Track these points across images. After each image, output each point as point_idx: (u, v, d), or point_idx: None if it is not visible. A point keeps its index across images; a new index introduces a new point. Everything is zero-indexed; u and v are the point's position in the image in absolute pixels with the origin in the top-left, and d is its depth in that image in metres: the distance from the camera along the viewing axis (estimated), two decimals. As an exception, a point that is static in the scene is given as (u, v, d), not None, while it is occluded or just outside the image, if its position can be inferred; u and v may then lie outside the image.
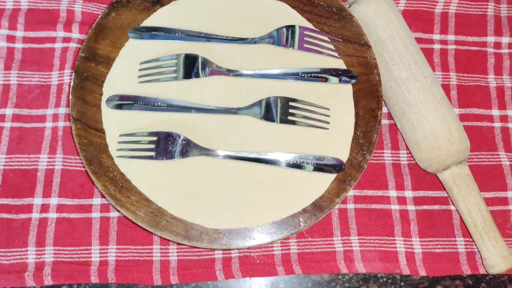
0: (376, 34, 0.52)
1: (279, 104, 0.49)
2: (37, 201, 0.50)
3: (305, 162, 0.47)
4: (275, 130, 0.49)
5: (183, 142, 0.47)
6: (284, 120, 0.48)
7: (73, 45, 0.55)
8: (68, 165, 0.51)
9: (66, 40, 0.55)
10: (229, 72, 0.50)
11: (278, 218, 0.46)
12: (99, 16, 0.51)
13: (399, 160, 0.53)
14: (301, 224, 0.46)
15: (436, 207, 0.52)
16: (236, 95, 0.50)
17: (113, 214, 0.50)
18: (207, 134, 0.48)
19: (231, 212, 0.46)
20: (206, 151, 0.47)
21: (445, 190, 0.52)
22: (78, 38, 0.56)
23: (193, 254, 0.49)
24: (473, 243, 0.50)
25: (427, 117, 0.49)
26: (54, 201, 0.50)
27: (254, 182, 0.47)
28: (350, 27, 0.52)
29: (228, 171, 0.47)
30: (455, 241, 0.51)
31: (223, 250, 0.49)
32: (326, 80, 0.50)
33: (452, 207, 0.52)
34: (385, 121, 0.54)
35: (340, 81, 0.50)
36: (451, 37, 0.57)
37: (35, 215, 0.50)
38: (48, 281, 0.48)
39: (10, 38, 0.55)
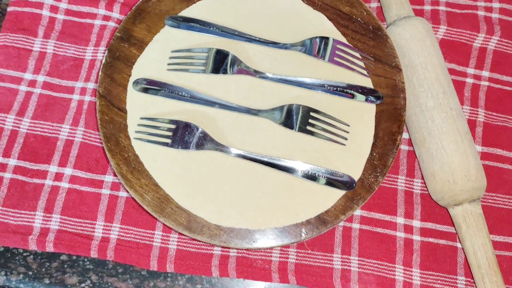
0: (409, 58, 0.51)
1: (300, 113, 0.49)
2: (52, 168, 0.52)
3: (316, 174, 0.47)
4: (292, 137, 0.49)
5: (200, 134, 0.48)
6: (302, 129, 0.48)
7: (111, 24, 0.57)
8: (87, 139, 0.53)
9: (106, 18, 0.57)
10: (256, 73, 0.50)
11: (280, 225, 0.46)
12: (140, 0, 0.52)
13: (412, 188, 0.52)
14: (303, 235, 0.46)
15: (442, 241, 0.51)
16: (260, 96, 0.50)
17: (122, 194, 0.51)
18: (225, 130, 0.49)
19: (236, 211, 0.46)
20: (220, 147, 0.48)
21: (454, 226, 0.51)
22: (117, 18, 0.57)
23: (192, 246, 0.50)
24: (474, 285, 0.49)
25: (447, 149, 0.48)
26: (68, 171, 0.52)
27: (263, 185, 0.47)
28: (384, 47, 0.51)
29: (239, 170, 0.48)
30: (456, 279, 0.50)
31: (222, 247, 0.49)
32: (352, 96, 0.50)
33: (458, 245, 0.51)
34: (404, 147, 0.53)
35: (366, 99, 0.50)
36: (485, 73, 0.56)
37: (48, 182, 0.51)
38: (49, 247, 0.49)
39: (54, 8, 0.57)
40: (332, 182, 0.47)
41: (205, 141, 0.48)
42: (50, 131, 0.53)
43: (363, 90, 0.50)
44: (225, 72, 0.50)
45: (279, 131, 0.49)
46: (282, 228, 0.46)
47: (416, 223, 0.51)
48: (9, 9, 0.57)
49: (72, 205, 0.51)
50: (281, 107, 0.49)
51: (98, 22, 0.57)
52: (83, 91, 0.54)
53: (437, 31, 0.57)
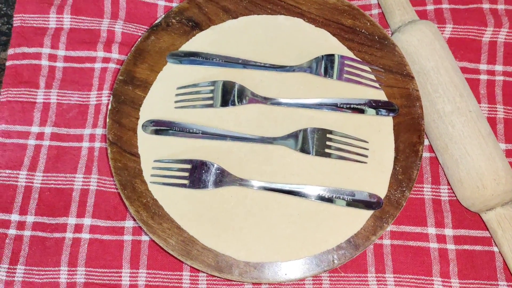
0: (419, 65, 0.50)
1: (316, 136, 0.47)
2: (71, 220, 0.51)
3: (341, 197, 0.46)
4: (311, 162, 0.47)
5: (217, 171, 0.47)
6: (320, 153, 0.47)
7: (112, 66, 0.56)
8: (102, 186, 0.52)
9: (106, 60, 0.56)
10: (266, 100, 0.49)
11: (311, 254, 0.45)
12: (139, 39, 0.51)
13: (440, 196, 0.51)
14: (335, 261, 0.44)
15: (478, 247, 0.49)
16: (272, 124, 0.49)
17: (145, 237, 0.50)
18: (241, 163, 0.48)
19: (263, 245, 0.45)
20: (239, 181, 0.46)
21: (488, 230, 0.49)
22: (117, 59, 0.56)
23: (222, 284, 0.48)
24: (517, 289, 0.48)
25: (472, 154, 0.46)
26: (87, 221, 0.51)
27: (288, 215, 0.46)
28: (392, 56, 0.50)
29: (261, 203, 0.46)
30: (497, 285, 0.48)
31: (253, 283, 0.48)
32: (365, 112, 0.48)
33: (495, 249, 0.49)
34: (426, 154, 0.52)
35: (379, 113, 0.48)
36: (499, 67, 0.54)
37: (69, 235, 0.50)
38: (78, 302, 0.48)
39: (52, 57, 0.56)
40: (358, 203, 0.46)
41: (223, 177, 0.46)
42: (64, 182, 0.52)
43: (377, 104, 0.48)
44: (234, 103, 0.49)
45: (297, 157, 0.47)
46: (313, 257, 0.45)
47: (449, 232, 0.50)
48: (8, 63, 0.56)
49: (95, 256, 0.50)
50: (296, 133, 0.48)
51: (98, 65, 0.56)
52: (92, 137, 0.53)
53: (444, 30, 0.55)
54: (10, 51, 0.56)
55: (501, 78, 0.54)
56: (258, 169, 0.47)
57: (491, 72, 0.54)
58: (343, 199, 0.46)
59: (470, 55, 0.55)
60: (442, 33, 0.55)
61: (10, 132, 0.53)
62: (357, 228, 0.45)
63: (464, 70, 0.54)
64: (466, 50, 0.55)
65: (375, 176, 0.47)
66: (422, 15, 0.56)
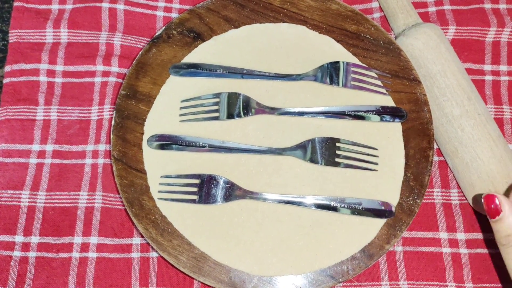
0: (425, 68, 0.49)
1: (325, 146, 0.47)
2: (77, 240, 0.50)
3: (353, 207, 0.45)
4: (321, 172, 0.47)
5: (227, 185, 0.46)
6: (331, 162, 0.46)
7: (112, 79, 0.55)
8: (108, 203, 0.51)
9: (106, 74, 0.55)
10: (273, 110, 0.48)
11: (325, 266, 0.44)
12: (140, 53, 0.50)
13: (450, 200, 0.50)
14: (350, 272, 0.44)
15: (491, 250, 0.49)
16: (280, 134, 0.48)
17: (153, 254, 0.49)
18: (250, 175, 0.47)
19: (276, 259, 0.44)
20: (249, 194, 0.46)
21: (500, 232, 0.49)
22: (117, 72, 0.55)
23: (235, 298, 0.48)
24: (532, 291, 0.47)
25: (482, 158, 0.46)
26: (94, 240, 0.50)
27: (300, 227, 0.45)
28: (398, 61, 0.49)
29: (272, 215, 0.46)
30: (513, 288, 0.48)
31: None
32: (373, 119, 0.48)
33: (509, 251, 0.49)
34: (434, 158, 0.51)
35: (387, 120, 0.48)
36: (503, 67, 0.54)
37: (75, 255, 0.49)
38: (88, 323, 0.47)
39: (50, 73, 0.55)
40: (371, 211, 0.45)
41: (232, 191, 0.46)
42: (68, 201, 0.51)
43: (385, 110, 0.48)
44: (240, 115, 0.48)
45: (306, 168, 0.47)
46: (327, 269, 0.44)
47: (461, 236, 0.49)
48: (5, 81, 0.55)
49: (103, 275, 0.49)
50: (305, 143, 0.47)
51: (98, 79, 0.55)
52: (95, 154, 0.52)
53: (447, 32, 0.55)
54: (7, 68, 0.55)
55: (506, 78, 0.54)
56: (267, 181, 0.47)
57: (496, 73, 0.54)
58: (355, 208, 0.45)
59: (474, 56, 0.54)
60: (445, 35, 0.54)
61: (10, 151, 0.52)
62: (370, 237, 0.45)
63: (468, 71, 0.54)
64: (470, 51, 0.55)
65: (386, 183, 0.46)
66: (424, 17, 0.55)
